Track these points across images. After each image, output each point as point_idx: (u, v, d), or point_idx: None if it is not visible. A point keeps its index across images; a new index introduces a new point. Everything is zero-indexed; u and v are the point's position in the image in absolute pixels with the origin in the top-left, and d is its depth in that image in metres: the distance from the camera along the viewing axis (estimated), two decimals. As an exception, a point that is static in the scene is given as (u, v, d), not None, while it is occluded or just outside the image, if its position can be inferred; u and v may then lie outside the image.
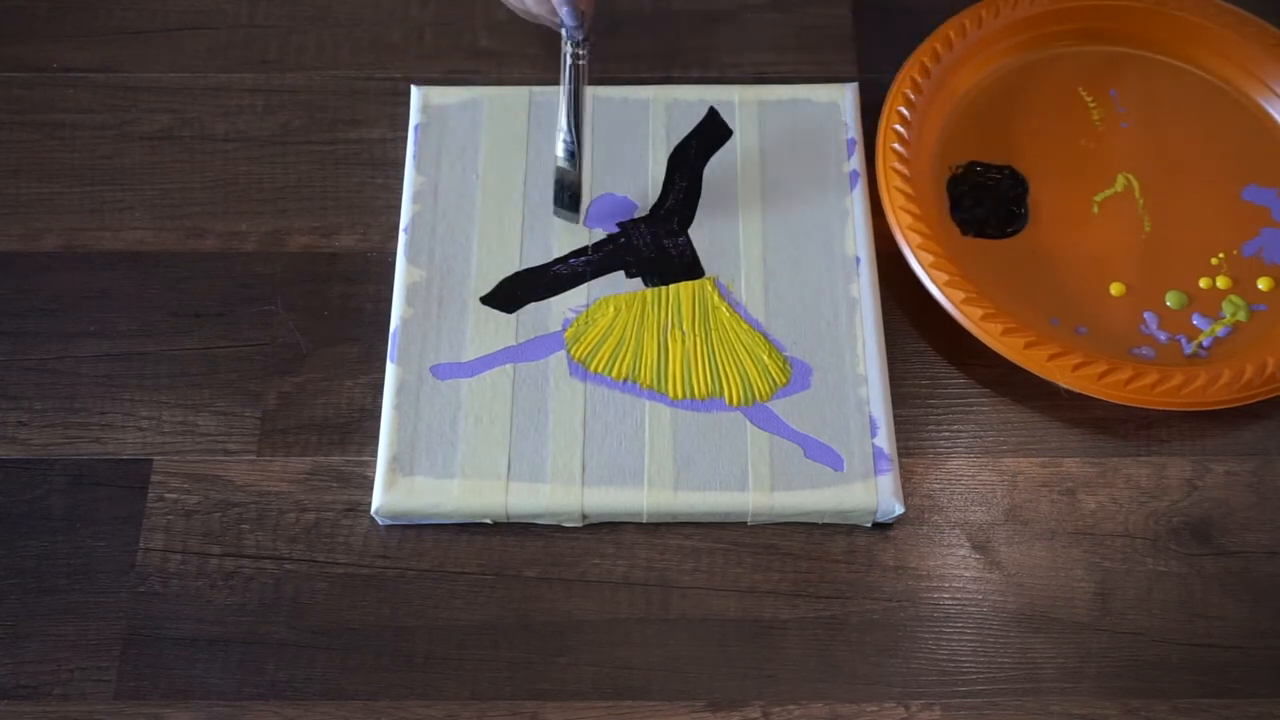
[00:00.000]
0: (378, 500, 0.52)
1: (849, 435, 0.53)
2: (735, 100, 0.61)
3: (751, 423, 0.53)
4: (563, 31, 0.52)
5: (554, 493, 0.52)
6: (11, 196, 0.60)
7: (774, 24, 0.66)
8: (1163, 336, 0.56)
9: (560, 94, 0.54)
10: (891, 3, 0.66)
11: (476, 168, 0.59)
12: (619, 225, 0.58)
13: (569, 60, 0.52)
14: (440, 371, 0.54)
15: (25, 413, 0.55)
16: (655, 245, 0.58)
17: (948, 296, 0.55)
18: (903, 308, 0.58)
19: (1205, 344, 0.56)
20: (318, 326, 0.57)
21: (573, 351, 0.55)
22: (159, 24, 0.66)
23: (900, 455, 0.54)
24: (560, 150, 0.55)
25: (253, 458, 0.54)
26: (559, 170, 0.56)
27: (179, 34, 0.65)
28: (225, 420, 0.55)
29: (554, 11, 0.51)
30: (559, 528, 0.53)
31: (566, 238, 0.58)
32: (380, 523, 0.53)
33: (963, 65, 0.62)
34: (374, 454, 0.54)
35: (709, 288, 0.57)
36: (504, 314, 0.56)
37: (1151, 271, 0.58)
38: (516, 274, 0.57)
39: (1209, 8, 0.63)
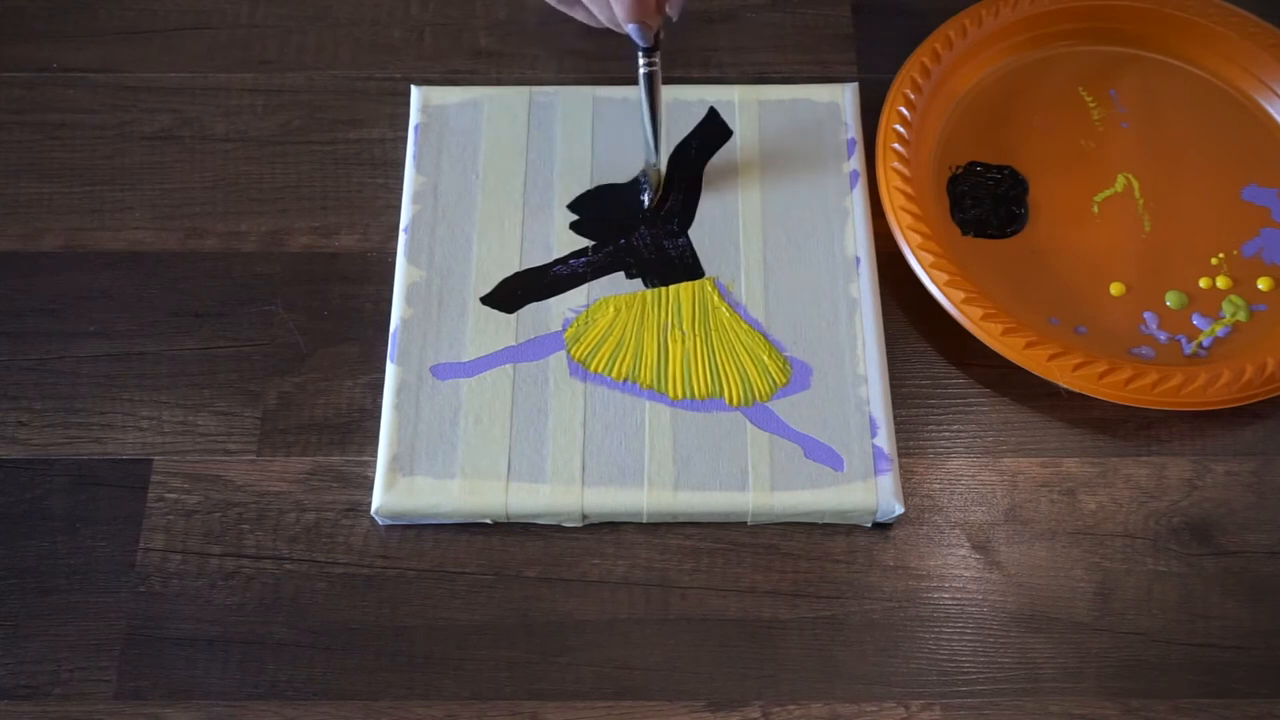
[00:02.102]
0: (378, 500, 0.52)
1: (849, 435, 0.53)
2: (735, 100, 0.61)
3: (751, 423, 0.53)
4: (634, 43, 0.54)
5: (554, 493, 0.52)
6: (11, 196, 0.61)
7: (774, 24, 0.66)
8: (1163, 336, 0.56)
9: (641, 100, 0.55)
10: (891, 3, 0.66)
11: (476, 168, 0.59)
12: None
13: (642, 69, 0.54)
14: (440, 371, 0.54)
15: (25, 413, 0.55)
16: (655, 246, 0.58)
17: (948, 296, 0.55)
18: (903, 308, 0.58)
19: (1205, 344, 0.56)
20: (318, 326, 0.57)
21: (573, 351, 0.55)
22: (159, 24, 0.66)
23: (900, 455, 0.54)
24: (647, 153, 0.57)
25: (253, 458, 0.54)
26: (645, 167, 0.58)
27: (179, 34, 0.65)
28: (225, 420, 0.55)
29: (620, 25, 0.54)
30: (559, 528, 0.53)
31: (566, 237, 0.58)
32: (380, 523, 0.53)
33: (963, 65, 0.62)
34: (374, 454, 0.54)
35: (709, 288, 0.57)
36: (504, 314, 0.56)
37: (1151, 271, 0.58)
38: (516, 274, 0.57)
39: (1209, 8, 0.63)
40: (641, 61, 0.54)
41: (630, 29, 0.52)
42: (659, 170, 0.58)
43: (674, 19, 0.53)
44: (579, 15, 0.56)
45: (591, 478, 0.52)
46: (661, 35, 0.54)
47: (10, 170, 0.61)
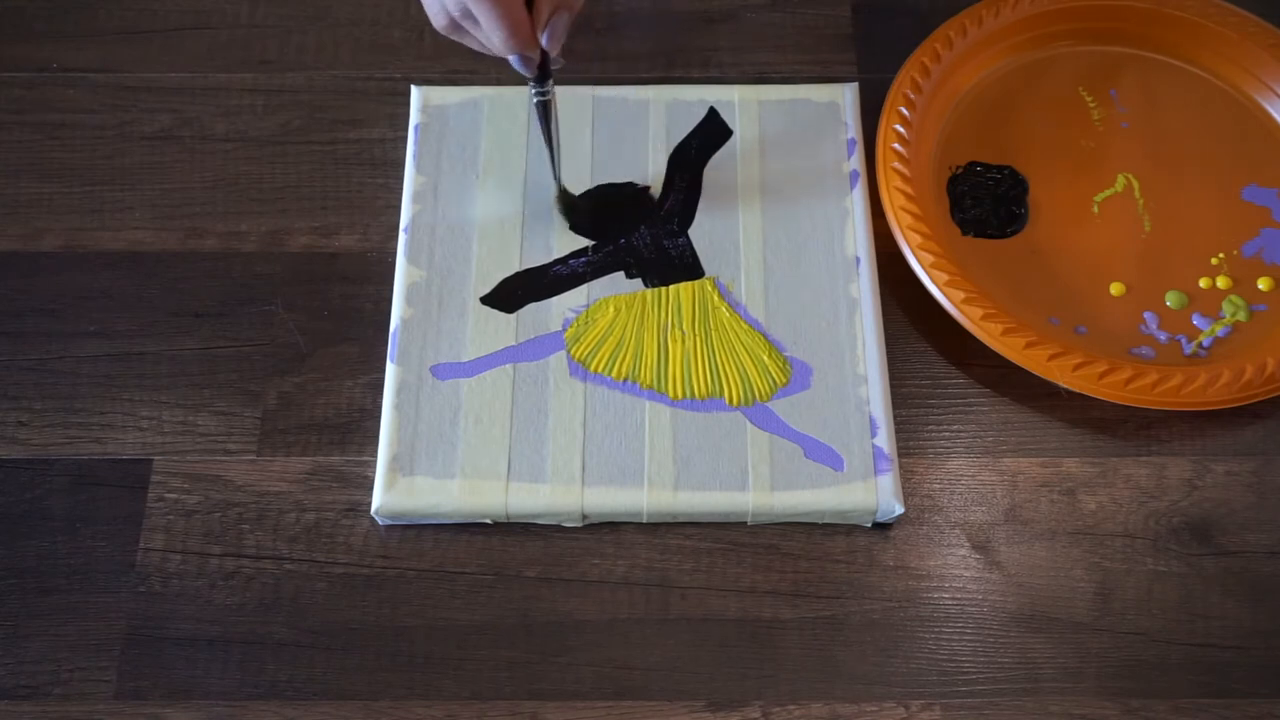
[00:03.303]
0: (378, 500, 0.52)
1: (849, 435, 0.53)
2: (735, 100, 0.61)
3: (751, 423, 0.53)
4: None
5: (554, 493, 0.52)
6: (11, 196, 0.61)
7: (774, 24, 0.66)
8: (1163, 336, 0.56)
9: (538, 129, 0.54)
10: (891, 3, 0.66)
11: (476, 168, 0.59)
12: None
13: (533, 100, 0.53)
14: (440, 371, 0.54)
15: (25, 413, 0.55)
16: (655, 246, 0.58)
17: (948, 296, 0.55)
18: (903, 308, 0.58)
19: (1205, 344, 0.56)
20: (318, 326, 0.57)
21: (573, 351, 0.55)
22: (159, 24, 0.66)
23: (900, 455, 0.54)
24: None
25: (253, 458, 0.54)
26: (555, 195, 0.58)
27: (179, 34, 0.65)
28: (225, 420, 0.55)
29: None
30: (559, 528, 0.53)
31: (566, 238, 0.58)
32: (380, 523, 0.53)
33: (963, 65, 0.62)
34: (374, 454, 0.54)
35: (709, 288, 0.57)
36: (504, 314, 0.56)
37: (1151, 271, 0.58)
38: (516, 274, 0.57)
39: (1209, 8, 0.63)
40: (532, 91, 0.53)
41: (512, 60, 0.50)
42: (564, 194, 0.57)
43: (551, 54, 0.51)
44: (470, 43, 0.53)
45: (591, 478, 0.52)
46: (552, 66, 0.52)
47: (10, 170, 0.61)
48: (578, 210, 0.58)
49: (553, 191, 0.57)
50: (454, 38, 0.52)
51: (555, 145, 0.55)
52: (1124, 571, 0.52)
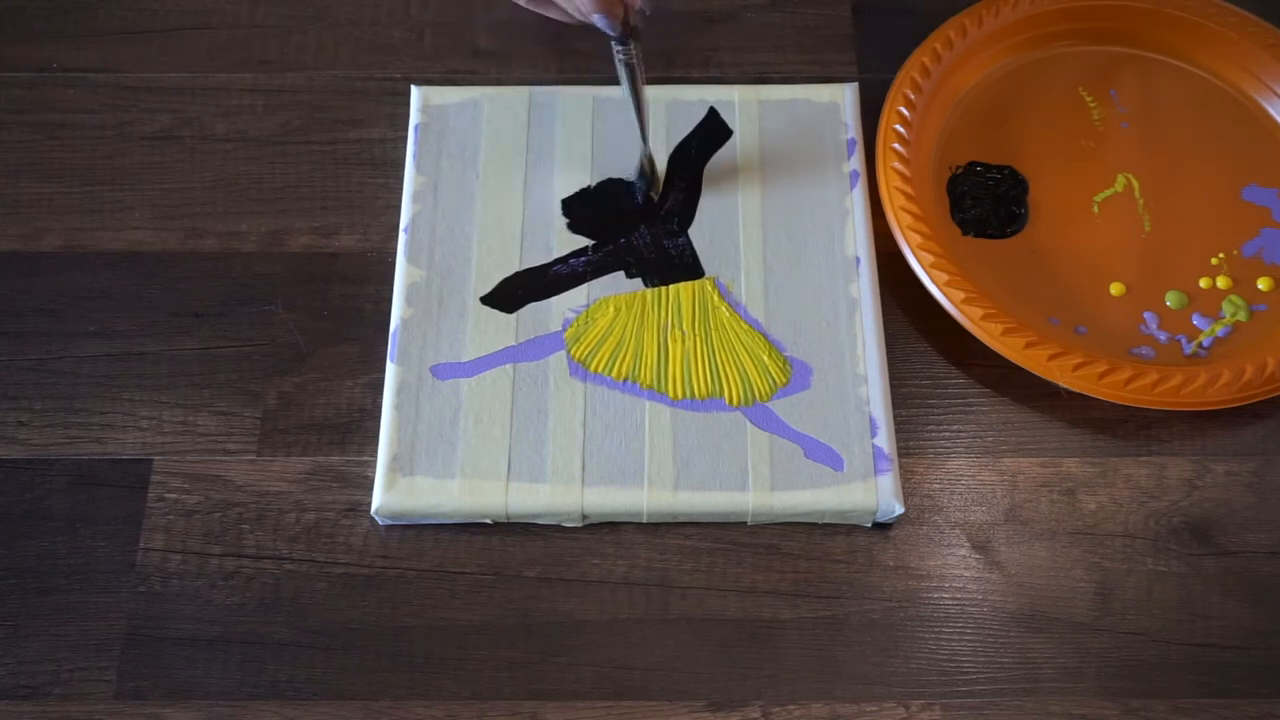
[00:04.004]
0: (378, 500, 0.52)
1: (849, 435, 0.53)
2: (735, 100, 0.61)
3: (751, 423, 0.53)
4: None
5: (554, 493, 0.52)
6: (11, 196, 0.61)
7: (774, 24, 0.66)
8: (1163, 336, 0.56)
9: (622, 92, 0.55)
10: (891, 3, 0.66)
11: (476, 168, 0.59)
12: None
13: (619, 61, 0.54)
14: (440, 371, 0.54)
15: (25, 413, 0.55)
16: (655, 245, 0.58)
17: (948, 296, 0.55)
18: (903, 308, 0.58)
19: (1205, 344, 0.56)
20: (318, 326, 0.57)
21: (573, 351, 0.55)
22: (159, 24, 0.66)
23: (900, 455, 0.54)
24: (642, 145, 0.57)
25: (253, 458, 0.54)
26: (640, 159, 0.58)
27: (179, 34, 0.65)
28: (225, 420, 0.55)
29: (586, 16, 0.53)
30: (559, 528, 0.53)
31: (566, 237, 0.58)
32: (380, 523, 0.53)
33: (963, 65, 0.62)
34: (374, 454, 0.54)
35: (709, 288, 0.57)
36: (504, 314, 0.56)
37: (1151, 271, 0.58)
38: (516, 274, 0.57)
39: (1209, 8, 0.63)
40: (617, 52, 0.54)
41: (596, 19, 0.51)
42: (652, 159, 0.58)
43: (647, 12, 0.52)
44: (552, 13, 0.56)
45: (591, 478, 0.52)
46: (636, 25, 0.53)
47: (10, 170, 0.61)
48: (654, 180, 0.59)
49: (641, 154, 0.57)
50: (535, 9, 0.54)
51: (644, 106, 0.55)
52: (1124, 571, 0.52)
